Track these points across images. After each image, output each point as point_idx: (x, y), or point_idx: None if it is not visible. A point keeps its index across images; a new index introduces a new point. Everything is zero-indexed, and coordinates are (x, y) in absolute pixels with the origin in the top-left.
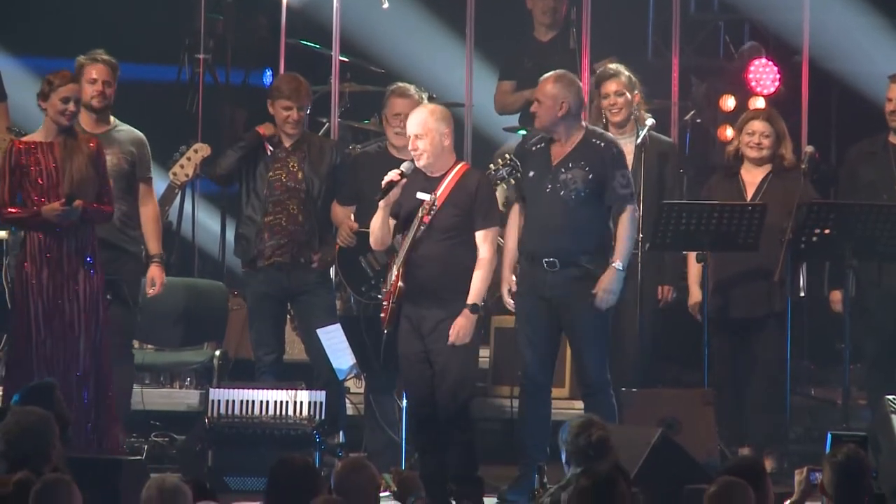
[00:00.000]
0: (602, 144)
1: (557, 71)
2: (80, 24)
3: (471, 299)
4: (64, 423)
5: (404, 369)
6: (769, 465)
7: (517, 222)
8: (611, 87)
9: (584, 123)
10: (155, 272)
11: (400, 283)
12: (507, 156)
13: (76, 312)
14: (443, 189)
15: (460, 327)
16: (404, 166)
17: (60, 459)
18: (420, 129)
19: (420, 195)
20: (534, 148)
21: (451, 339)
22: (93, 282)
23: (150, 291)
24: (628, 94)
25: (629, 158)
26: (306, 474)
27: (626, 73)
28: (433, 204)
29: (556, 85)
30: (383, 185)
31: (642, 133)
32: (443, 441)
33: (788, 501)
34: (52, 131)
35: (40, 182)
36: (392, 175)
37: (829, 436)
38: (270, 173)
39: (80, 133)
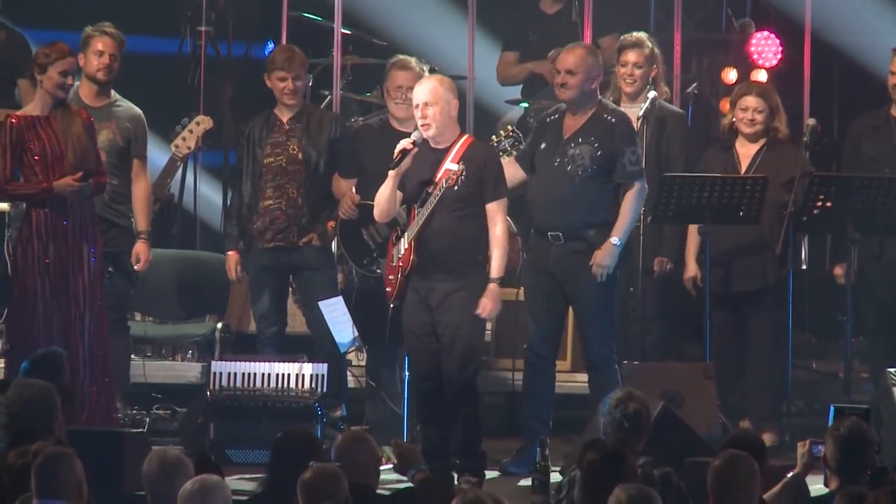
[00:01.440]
0: (613, 120)
1: (586, 44)
2: None
3: (495, 273)
4: (67, 395)
5: (409, 342)
6: (768, 439)
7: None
8: (631, 56)
9: (598, 97)
10: (140, 248)
11: (413, 257)
12: (509, 127)
13: (81, 286)
14: (450, 161)
15: (488, 301)
16: (415, 135)
17: (62, 431)
18: (430, 96)
19: (448, 165)
20: (548, 119)
21: (484, 315)
22: (95, 255)
23: (136, 268)
24: (647, 68)
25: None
26: (309, 448)
27: (650, 45)
28: (461, 174)
29: (591, 58)
30: (396, 155)
31: (644, 106)
32: (446, 414)
33: (791, 474)
34: (48, 105)
35: (43, 156)
36: (405, 143)
37: (832, 409)
38: (270, 158)
39: (71, 105)
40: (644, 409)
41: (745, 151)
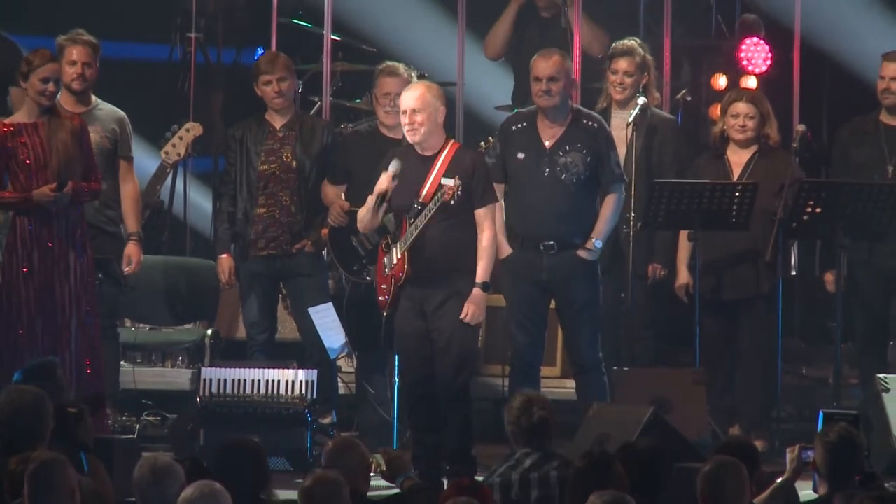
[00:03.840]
0: (595, 125)
1: (558, 49)
2: (72, 2)
3: (480, 278)
4: (99, 403)
5: (402, 347)
6: (759, 445)
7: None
8: (621, 64)
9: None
10: (132, 250)
11: (407, 267)
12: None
13: (67, 294)
14: (438, 168)
15: (474, 307)
16: (393, 167)
17: (87, 437)
18: (417, 103)
19: (444, 181)
20: (514, 128)
21: (468, 319)
22: (83, 262)
23: (127, 270)
24: (638, 76)
25: (622, 135)
26: (252, 457)
27: (642, 52)
28: (458, 189)
29: (568, 63)
30: (376, 197)
31: (634, 113)
32: (438, 420)
33: (780, 479)
34: (35, 111)
35: (28, 163)
36: (383, 183)
37: (821, 414)
38: (264, 166)
39: (62, 111)
40: (548, 412)
41: (737, 159)
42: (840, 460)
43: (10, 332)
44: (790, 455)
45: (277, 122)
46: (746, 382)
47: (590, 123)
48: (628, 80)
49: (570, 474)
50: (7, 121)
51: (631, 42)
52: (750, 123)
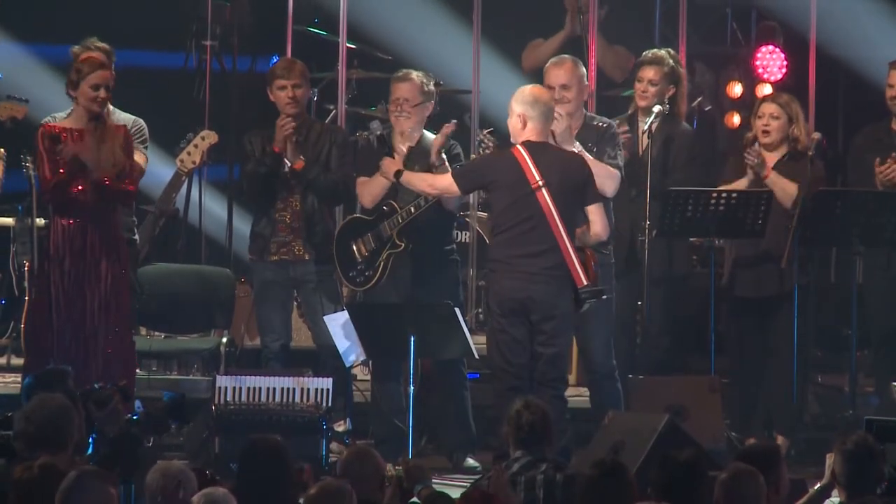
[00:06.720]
0: (603, 125)
1: (571, 56)
2: (87, 11)
3: None
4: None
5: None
6: (784, 448)
7: None
8: (647, 73)
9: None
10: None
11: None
12: (485, 131)
13: (96, 303)
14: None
15: None
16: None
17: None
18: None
19: None
20: None
21: None
22: (115, 272)
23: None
24: (663, 85)
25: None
26: (276, 456)
27: (671, 63)
28: None
29: (580, 70)
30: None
31: (649, 120)
32: None
33: (819, 485)
34: (83, 118)
35: (67, 167)
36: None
37: (866, 421)
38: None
39: (109, 121)
40: (541, 417)
41: (767, 162)
42: (856, 468)
43: (41, 338)
44: (829, 461)
45: None
46: (778, 387)
47: (599, 125)
48: (652, 89)
49: (581, 482)
50: (54, 124)
51: (662, 52)
52: (774, 124)
